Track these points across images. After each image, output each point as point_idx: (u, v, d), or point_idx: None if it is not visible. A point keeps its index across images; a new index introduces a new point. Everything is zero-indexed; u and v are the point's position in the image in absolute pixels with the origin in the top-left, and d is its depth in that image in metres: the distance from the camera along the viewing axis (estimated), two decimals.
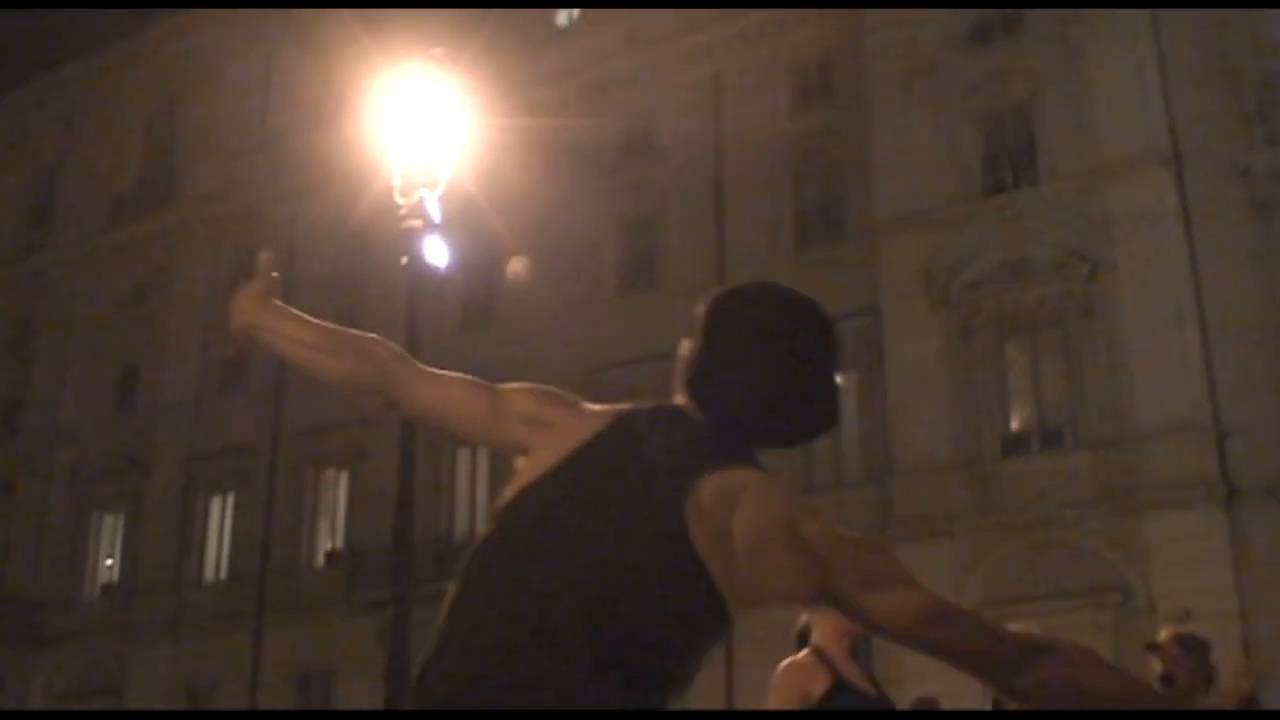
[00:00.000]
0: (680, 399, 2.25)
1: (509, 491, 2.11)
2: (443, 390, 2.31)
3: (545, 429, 2.19)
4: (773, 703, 4.51)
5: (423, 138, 10.58)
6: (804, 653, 4.56)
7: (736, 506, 2.04)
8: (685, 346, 2.28)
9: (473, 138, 12.11)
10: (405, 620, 14.08)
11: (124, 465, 32.16)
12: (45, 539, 32.91)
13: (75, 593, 32.24)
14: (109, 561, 32.66)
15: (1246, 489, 19.34)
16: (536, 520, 2.04)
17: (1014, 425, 21.91)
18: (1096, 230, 21.36)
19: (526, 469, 2.13)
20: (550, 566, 1.98)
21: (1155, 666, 5.98)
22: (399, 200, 10.32)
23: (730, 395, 2.15)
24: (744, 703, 22.31)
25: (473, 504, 27.04)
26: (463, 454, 27.36)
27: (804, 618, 4.74)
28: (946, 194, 22.80)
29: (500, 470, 26.58)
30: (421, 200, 10.20)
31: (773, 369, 2.17)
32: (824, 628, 4.60)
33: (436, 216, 10.27)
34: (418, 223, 10.24)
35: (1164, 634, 6.20)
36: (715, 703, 22.67)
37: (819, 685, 4.48)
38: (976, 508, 20.93)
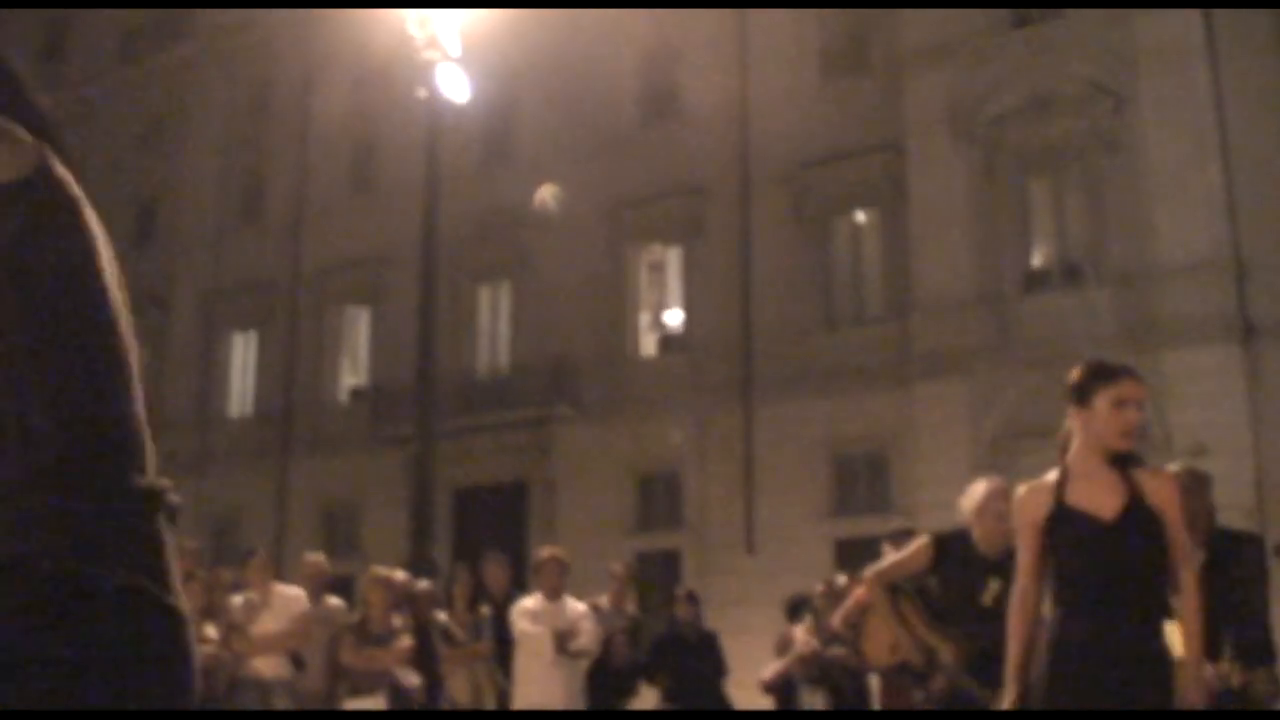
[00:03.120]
0: None
1: None
2: None
3: None
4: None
5: None
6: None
7: None
8: None
9: None
10: (428, 454, 14.32)
11: (144, 302, 32.33)
12: None
13: None
14: None
15: (1264, 327, 19.37)
16: None
17: (1035, 261, 21.84)
18: (1122, 64, 21.02)
19: None
20: None
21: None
22: (416, 31, 10.19)
23: None
24: (762, 536, 22.71)
25: (494, 340, 27.21)
26: (484, 291, 27.44)
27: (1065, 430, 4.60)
28: (972, 27, 22.39)
29: (523, 305, 26.68)
30: (439, 31, 10.08)
31: None
32: (1076, 441, 4.51)
33: (454, 48, 10.15)
34: (435, 54, 10.13)
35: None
36: (738, 536, 23.10)
37: (1043, 510, 4.46)
38: (996, 344, 20.99)
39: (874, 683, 8.77)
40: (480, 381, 26.65)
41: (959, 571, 6.30)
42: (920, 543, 6.51)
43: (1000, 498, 6.32)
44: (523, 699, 9.59)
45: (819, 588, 10.22)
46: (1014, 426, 20.30)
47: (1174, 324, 19.57)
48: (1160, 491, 4.41)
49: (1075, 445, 4.49)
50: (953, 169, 22.02)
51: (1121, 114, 20.93)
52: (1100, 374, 4.48)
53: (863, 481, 22.43)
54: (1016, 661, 4.50)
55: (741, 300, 24.02)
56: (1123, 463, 4.45)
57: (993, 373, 20.79)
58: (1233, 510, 16.19)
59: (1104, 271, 20.79)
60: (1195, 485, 6.29)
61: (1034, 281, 21.59)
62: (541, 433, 25.43)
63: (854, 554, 17.56)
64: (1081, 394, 4.46)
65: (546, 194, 25.03)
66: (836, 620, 8.73)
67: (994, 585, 6.21)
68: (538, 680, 9.44)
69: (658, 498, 24.40)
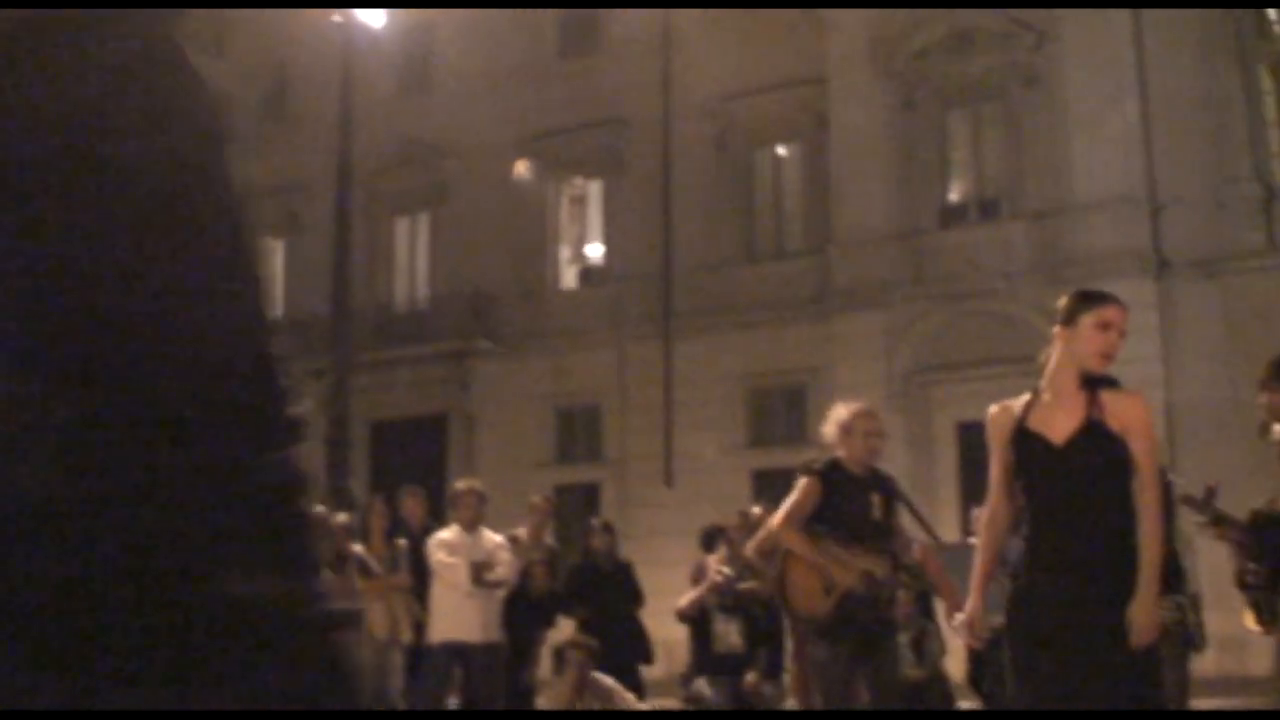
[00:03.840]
0: None
1: None
2: None
3: None
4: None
5: None
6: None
7: None
8: None
9: None
10: (345, 387, 14.22)
11: None
12: None
13: None
14: None
15: (1177, 261, 19.68)
16: None
17: (953, 196, 21.99)
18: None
19: None
20: None
21: None
22: None
23: None
24: (681, 468, 22.83)
25: (412, 273, 26.99)
26: (402, 222, 27.16)
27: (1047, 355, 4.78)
28: None
29: (441, 237, 26.46)
30: None
31: None
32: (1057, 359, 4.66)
33: None
34: None
35: None
36: (657, 468, 23.21)
37: (1007, 429, 4.66)
38: (913, 277, 21.15)
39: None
40: (398, 314, 26.45)
41: (846, 495, 6.55)
42: (804, 481, 6.68)
43: (867, 417, 6.57)
44: (439, 630, 9.62)
45: (733, 518, 10.31)
46: (928, 359, 20.55)
47: (1088, 259, 19.78)
48: (1125, 413, 4.54)
49: (1052, 364, 4.61)
50: (873, 103, 22.05)
51: (1042, 50, 21.03)
52: (1089, 297, 4.71)
53: (780, 414, 22.59)
54: (980, 573, 4.75)
55: (662, 233, 23.98)
56: (1095, 385, 4.55)
57: (908, 306, 20.98)
58: None
59: (1020, 206, 20.99)
60: None
61: (951, 216, 21.75)
62: (460, 366, 25.32)
63: (771, 485, 17.71)
64: (1069, 314, 4.66)
65: (521, 168, 24.88)
66: (750, 550, 8.82)
67: (876, 500, 6.49)
68: (454, 611, 9.47)
69: (577, 431, 24.44)
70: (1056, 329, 4.68)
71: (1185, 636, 7.57)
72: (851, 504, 6.56)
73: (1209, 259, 19.59)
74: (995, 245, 20.73)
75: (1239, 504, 6.44)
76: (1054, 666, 4.37)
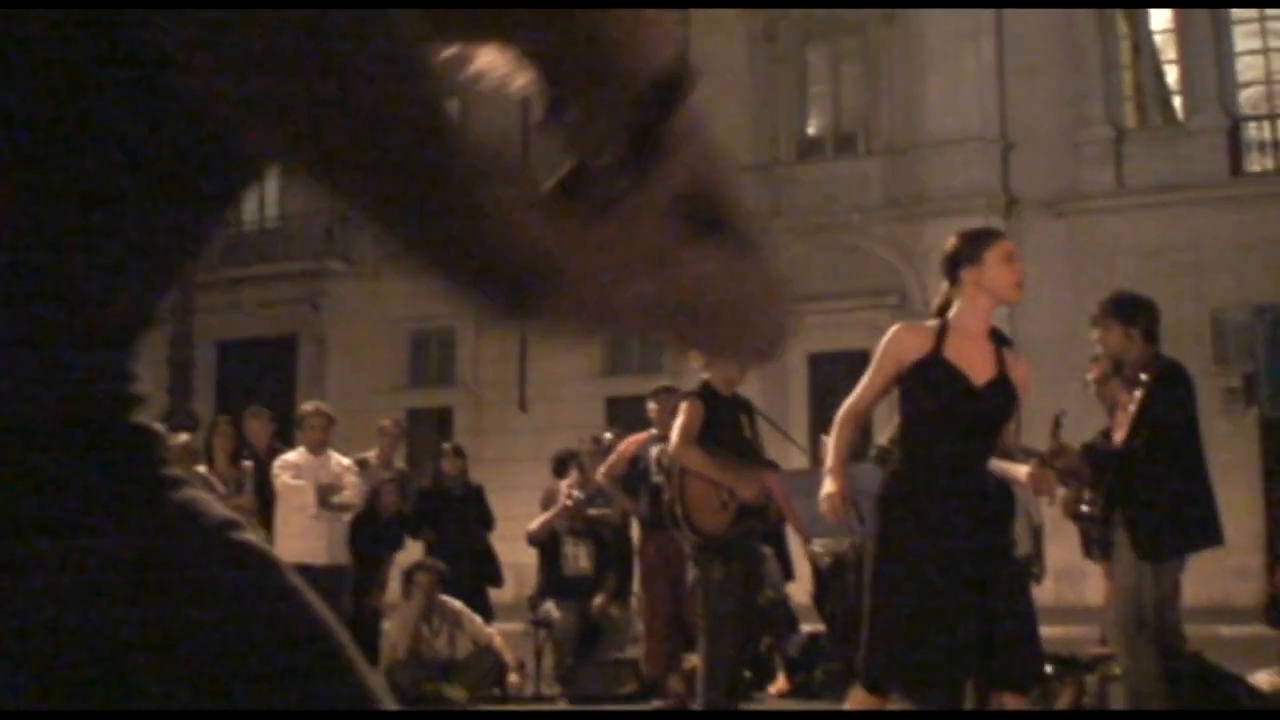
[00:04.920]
0: None
1: None
2: None
3: None
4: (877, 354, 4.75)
5: None
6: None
7: None
8: None
9: None
10: (187, 304, 13.85)
11: None
12: None
13: None
14: None
15: (1026, 199, 20.10)
16: None
17: (811, 130, 22.12)
18: None
19: None
20: None
21: None
22: None
23: None
24: (535, 394, 22.77)
25: (260, 189, 26.34)
26: None
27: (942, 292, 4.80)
28: None
29: None
30: None
31: None
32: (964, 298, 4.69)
33: None
34: None
35: None
36: (511, 394, 23.13)
37: (915, 353, 4.63)
38: (770, 209, 21.24)
39: (635, 533, 8.93)
40: (246, 231, 25.80)
41: (722, 415, 6.85)
42: (687, 404, 6.97)
43: None
44: (284, 552, 9.34)
45: (586, 444, 10.31)
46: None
47: (939, 196, 20.13)
48: (1022, 375, 4.71)
49: (960, 304, 4.63)
50: (735, 33, 22.01)
51: None
52: (986, 234, 4.84)
53: (636, 341, 22.64)
54: (835, 464, 4.86)
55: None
56: (998, 340, 4.71)
57: (765, 237, 21.12)
58: None
59: (875, 142, 21.22)
60: None
61: (809, 149, 21.89)
62: (312, 286, 24.86)
63: (625, 412, 17.80)
64: (971, 253, 4.68)
65: None
66: (602, 474, 8.84)
67: (743, 419, 6.77)
68: (299, 533, 9.30)
69: (430, 355, 24.21)
70: (964, 272, 4.67)
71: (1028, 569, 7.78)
72: (726, 424, 6.83)
73: (1058, 198, 20.05)
74: (851, 179, 20.95)
75: (1079, 438, 6.60)
76: (928, 584, 4.43)
